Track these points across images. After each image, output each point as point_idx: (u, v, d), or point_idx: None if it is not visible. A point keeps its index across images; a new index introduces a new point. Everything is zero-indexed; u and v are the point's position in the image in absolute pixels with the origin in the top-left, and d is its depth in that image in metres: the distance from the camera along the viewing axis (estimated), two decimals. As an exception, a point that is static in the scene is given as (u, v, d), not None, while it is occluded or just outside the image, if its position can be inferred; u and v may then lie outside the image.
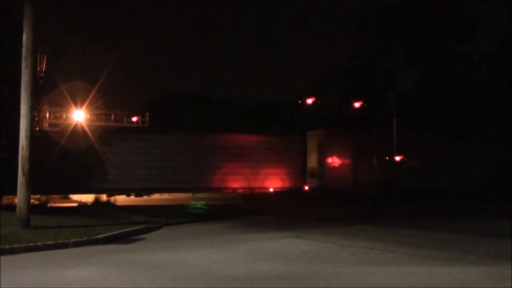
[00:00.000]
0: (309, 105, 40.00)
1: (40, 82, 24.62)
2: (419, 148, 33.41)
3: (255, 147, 32.88)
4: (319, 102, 40.35)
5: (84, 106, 28.98)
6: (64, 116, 29.14)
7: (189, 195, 33.28)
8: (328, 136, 33.68)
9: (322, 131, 34.12)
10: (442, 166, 33.45)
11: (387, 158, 32.62)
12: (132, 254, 11.65)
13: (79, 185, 27.14)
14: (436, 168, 33.35)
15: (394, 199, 30.49)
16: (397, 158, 32.13)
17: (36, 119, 24.41)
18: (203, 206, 28.70)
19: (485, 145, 35.04)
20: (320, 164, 32.98)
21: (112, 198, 27.51)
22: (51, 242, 12.59)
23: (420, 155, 33.20)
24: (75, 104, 28.77)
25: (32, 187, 15.26)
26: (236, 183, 32.52)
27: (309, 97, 40.14)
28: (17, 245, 11.91)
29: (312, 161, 33.70)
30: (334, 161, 32.79)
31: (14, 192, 15.41)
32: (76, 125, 28.08)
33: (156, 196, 33.43)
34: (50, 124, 28.79)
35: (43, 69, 24.92)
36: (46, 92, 26.56)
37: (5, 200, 23.43)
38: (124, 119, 30.82)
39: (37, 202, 25.03)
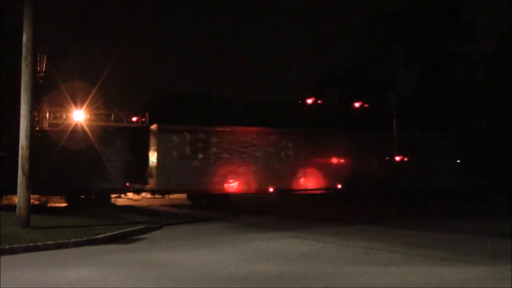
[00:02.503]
0: (309, 105, 40.07)
1: (40, 82, 24.62)
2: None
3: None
4: (319, 102, 40.42)
5: (84, 106, 28.94)
6: (64, 116, 29.11)
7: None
8: (163, 131, 29.07)
9: (156, 126, 29.28)
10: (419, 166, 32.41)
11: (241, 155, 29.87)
12: (132, 254, 11.64)
13: (79, 185, 27.08)
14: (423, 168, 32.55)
15: (394, 199, 30.46)
16: (397, 158, 32.16)
17: (36, 119, 24.40)
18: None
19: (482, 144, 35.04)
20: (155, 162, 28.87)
21: (112, 198, 27.50)
22: (51, 242, 12.58)
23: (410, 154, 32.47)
24: (75, 104, 28.72)
25: (32, 187, 15.27)
26: None
27: (309, 97, 40.22)
28: (17, 245, 11.90)
29: (151, 160, 29.74)
30: (171, 159, 28.47)
31: (14, 192, 15.42)
32: (76, 125, 28.03)
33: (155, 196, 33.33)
34: (50, 124, 28.75)
35: (43, 69, 24.91)
36: (46, 92, 26.54)
37: (5, 200, 23.46)
38: (124, 119, 30.76)
39: (37, 202, 25.02)
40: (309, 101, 40.16)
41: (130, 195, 29.34)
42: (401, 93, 37.65)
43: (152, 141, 29.54)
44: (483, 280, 8.49)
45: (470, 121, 39.18)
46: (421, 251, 11.47)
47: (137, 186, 29.01)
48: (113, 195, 28.10)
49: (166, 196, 30.18)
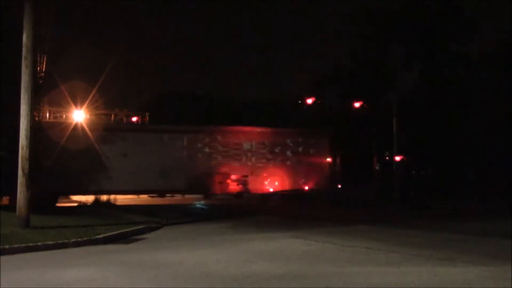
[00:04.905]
0: (309, 105, 40.05)
1: (40, 82, 24.62)
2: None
3: None
4: (319, 102, 40.40)
5: (84, 106, 28.98)
6: (64, 116, 29.14)
7: (189, 195, 33.24)
8: None
9: None
10: None
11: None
12: (132, 254, 11.64)
13: (79, 185, 27.11)
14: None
15: (395, 199, 30.45)
16: (397, 158, 32.19)
17: (36, 119, 24.40)
18: (203, 206, 28.72)
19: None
20: None
21: (112, 198, 27.51)
22: (51, 242, 12.59)
23: None
24: (75, 104, 28.76)
25: (32, 187, 15.27)
26: None
27: (309, 97, 40.20)
28: (17, 245, 11.90)
29: None
30: None
31: (14, 192, 15.44)
32: (76, 125, 28.05)
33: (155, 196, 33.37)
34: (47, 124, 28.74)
35: (43, 69, 24.92)
36: (46, 92, 26.58)
37: (5, 200, 23.45)
38: (124, 119, 30.80)
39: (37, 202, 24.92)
40: (309, 101, 40.14)
41: None
42: (401, 93, 37.64)
43: None
44: (483, 280, 8.48)
45: (470, 121, 39.17)
46: (421, 251, 11.46)
47: None
48: None
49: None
